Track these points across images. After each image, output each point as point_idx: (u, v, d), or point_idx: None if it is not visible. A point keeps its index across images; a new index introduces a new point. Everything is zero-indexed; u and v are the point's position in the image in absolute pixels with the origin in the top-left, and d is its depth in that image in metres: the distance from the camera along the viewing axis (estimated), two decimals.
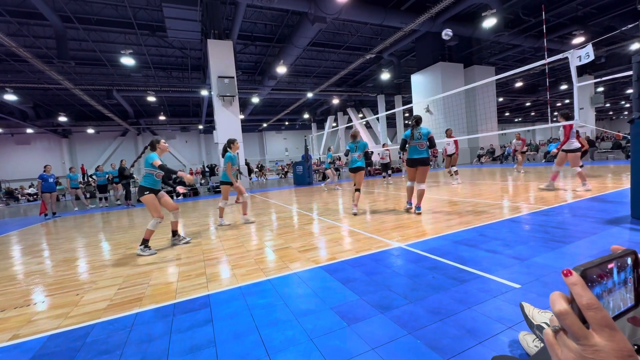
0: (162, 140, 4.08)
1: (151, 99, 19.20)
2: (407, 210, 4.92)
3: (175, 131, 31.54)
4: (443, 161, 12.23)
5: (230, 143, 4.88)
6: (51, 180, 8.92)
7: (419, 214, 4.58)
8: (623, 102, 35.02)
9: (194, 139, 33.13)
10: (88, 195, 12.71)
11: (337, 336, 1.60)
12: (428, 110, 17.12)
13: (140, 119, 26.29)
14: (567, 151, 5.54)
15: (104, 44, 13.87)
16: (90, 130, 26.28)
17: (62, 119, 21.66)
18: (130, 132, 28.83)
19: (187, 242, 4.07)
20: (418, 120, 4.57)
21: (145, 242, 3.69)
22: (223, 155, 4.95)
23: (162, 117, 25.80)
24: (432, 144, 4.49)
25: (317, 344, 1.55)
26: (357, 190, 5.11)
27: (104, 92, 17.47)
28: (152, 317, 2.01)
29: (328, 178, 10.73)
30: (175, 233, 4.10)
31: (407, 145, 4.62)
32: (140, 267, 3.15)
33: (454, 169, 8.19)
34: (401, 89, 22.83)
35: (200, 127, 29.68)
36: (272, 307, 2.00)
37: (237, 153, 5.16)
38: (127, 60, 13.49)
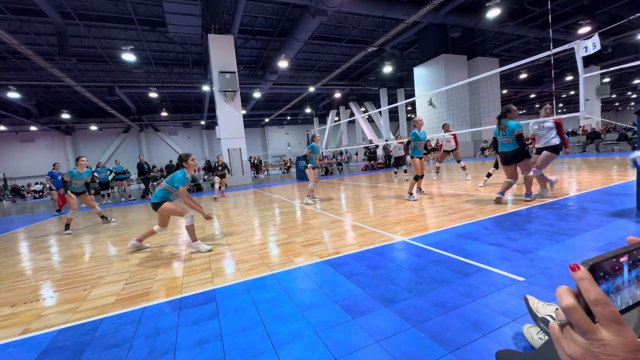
0: (83, 158, 5.72)
1: (153, 95, 19.22)
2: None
3: (178, 127, 31.61)
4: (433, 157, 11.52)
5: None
6: (59, 178, 9.03)
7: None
8: (630, 93, 34.46)
9: (196, 135, 33.19)
10: (93, 192, 12.81)
11: (341, 329, 1.62)
12: (431, 104, 16.97)
13: (143, 116, 26.36)
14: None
15: (105, 40, 13.85)
16: (94, 127, 26.42)
17: (65, 116, 21.77)
18: (133, 128, 28.93)
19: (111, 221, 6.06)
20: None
21: (66, 227, 5.43)
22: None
23: (164, 113, 25.87)
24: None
25: (322, 337, 1.57)
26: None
27: (106, 88, 17.50)
28: (159, 312, 2.04)
29: (331, 173, 9.64)
30: (103, 217, 6.20)
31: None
32: (147, 263, 3.19)
33: (462, 163, 7.75)
34: (404, 82, 22.63)
35: (202, 123, 29.71)
36: (277, 301, 2.02)
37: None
38: (128, 56, 13.47)
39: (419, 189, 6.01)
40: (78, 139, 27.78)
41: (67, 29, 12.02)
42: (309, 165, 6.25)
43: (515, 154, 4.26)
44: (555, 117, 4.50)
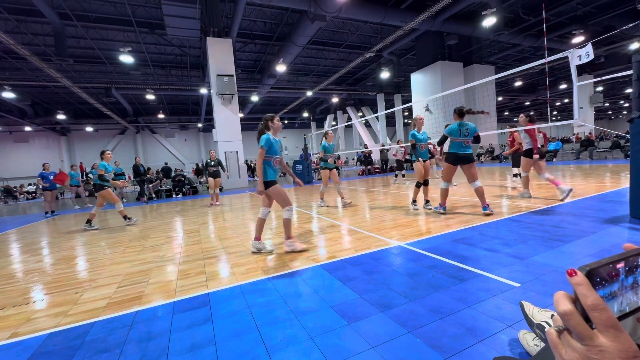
0: (109, 152, 5.79)
1: (150, 97, 19.17)
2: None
3: (174, 129, 31.48)
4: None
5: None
6: (51, 177, 8.89)
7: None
8: (622, 102, 35.03)
9: (193, 138, 33.07)
10: (87, 194, 12.69)
11: (337, 335, 1.60)
12: (428, 109, 17.10)
13: (139, 117, 26.24)
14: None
15: (103, 42, 13.81)
16: (89, 129, 26.23)
17: (61, 117, 21.60)
18: (129, 130, 28.76)
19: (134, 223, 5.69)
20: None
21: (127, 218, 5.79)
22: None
23: (161, 116, 25.76)
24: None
25: (317, 342, 1.55)
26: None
27: (103, 90, 17.42)
28: (152, 316, 2.01)
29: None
30: (125, 217, 5.78)
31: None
32: (140, 266, 3.15)
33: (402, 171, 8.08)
34: (401, 87, 22.82)
35: (200, 125, 29.64)
36: (272, 306, 2.00)
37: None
38: (126, 58, 13.45)
39: (426, 201, 4.93)
40: (73, 140, 27.53)
41: (65, 30, 11.98)
42: (324, 162, 5.90)
43: (472, 155, 4.21)
44: (528, 125, 4.89)
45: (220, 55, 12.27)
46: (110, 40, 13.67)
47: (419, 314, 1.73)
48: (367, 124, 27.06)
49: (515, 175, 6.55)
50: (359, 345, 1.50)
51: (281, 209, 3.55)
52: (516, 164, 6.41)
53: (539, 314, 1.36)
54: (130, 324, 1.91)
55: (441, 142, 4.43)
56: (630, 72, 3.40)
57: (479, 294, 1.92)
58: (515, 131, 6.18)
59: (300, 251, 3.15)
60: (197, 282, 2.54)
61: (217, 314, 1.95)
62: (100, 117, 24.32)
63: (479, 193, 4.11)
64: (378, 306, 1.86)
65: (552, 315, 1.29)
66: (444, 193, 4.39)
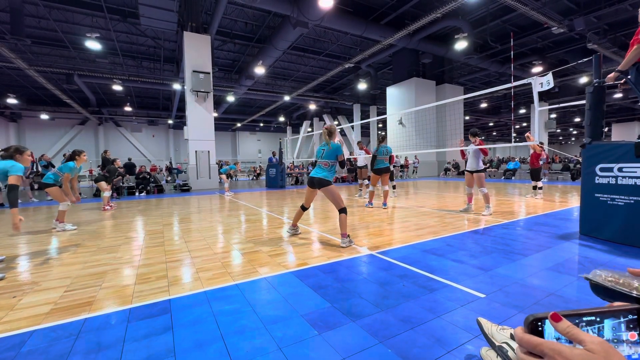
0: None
1: (117, 87, 18.00)
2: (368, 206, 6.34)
3: (142, 124, 29.78)
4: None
5: (79, 154, 5.08)
6: None
7: (385, 208, 6.10)
8: (571, 129, 38.72)
9: (161, 134, 31.56)
10: (36, 187, 11.56)
11: (307, 345, 1.55)
12: (401, 123, 17.72)
13: (103, 108, 24.57)
14: (472, 172, 5.21)
15: (67, 25, 12.82)
16: (44, 116, 24.04)
17: (12, 101, 19.64)
18: (91, 121, 26.80)
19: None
20: (383, 138, 6.31)
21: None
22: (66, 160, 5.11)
23: (128, 108, 24.27)
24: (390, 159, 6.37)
25: (286, 353, 1.48)
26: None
27: (64, 76, 16.11)
28: (103, 324, 1.82)
29: (301, 183, 8.94)
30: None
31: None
32: (93, 268, 2.88)
33: (366, 182, 8.24)
34: (376, 99, 23.46)
35: (170, 121, 28.35)
36: (240, 314, 1.90)
37: (82, 166, 5.32)
38: (93, 45, 12.57)
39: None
40: (24, 127, 25.10)
41: (24, 7, 10.99)
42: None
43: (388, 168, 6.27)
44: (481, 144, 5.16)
45: (197, 51, 11.88)
46: (76, 24, 12.72)
47: (390, 324, 1.73)
48: (343, 133, 27.47)
49: (534, 188, 7.31)
50: (330, 356, 1.45)
51: None
52: (535, 177, 7.35)
53: (498, 334, 1.35)
54: (77, 333, 1.72)
55: (373, 160, 6.14)
56: (580, 102, 3.74)
57: (447, 304, 1.96)
58: (534, 144, 6.47)
59: None
60: (158, 287, 2.36)
61: (179, 323, 1.81)
62: (58, 105, 22.47)
63: (385, 194, 6.32)
64: (349, 315, 1.84)
65: (512, 335, 1.31)
66: (372, 194, 6.47)
